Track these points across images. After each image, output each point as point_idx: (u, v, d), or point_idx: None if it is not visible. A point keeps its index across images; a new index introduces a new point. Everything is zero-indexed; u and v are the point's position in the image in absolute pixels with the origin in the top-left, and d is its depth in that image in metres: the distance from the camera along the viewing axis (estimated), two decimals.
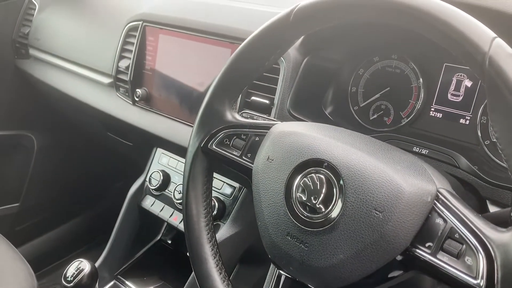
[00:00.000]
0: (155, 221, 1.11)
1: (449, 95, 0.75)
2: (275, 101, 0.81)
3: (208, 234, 0.65)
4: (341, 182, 0.49)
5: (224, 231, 0.93)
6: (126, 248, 1.10)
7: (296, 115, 0.79)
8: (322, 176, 0.51)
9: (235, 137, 0.63)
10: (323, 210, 0.50)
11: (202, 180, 0.66)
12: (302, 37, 0.78)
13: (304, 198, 0.51)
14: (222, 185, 0.98)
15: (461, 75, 0.74)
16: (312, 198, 0.51)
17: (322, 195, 0.50)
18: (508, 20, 0.58)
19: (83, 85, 1.21)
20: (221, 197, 0.97)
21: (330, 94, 0.85)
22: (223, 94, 0.64)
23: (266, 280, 0.74)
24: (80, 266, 0.85)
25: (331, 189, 0.50)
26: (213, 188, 1.00)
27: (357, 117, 0.85)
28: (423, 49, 0.77)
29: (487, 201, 0.63)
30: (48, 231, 1.67)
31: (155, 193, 1.08)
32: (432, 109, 0.77)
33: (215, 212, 0.94)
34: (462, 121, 0.74)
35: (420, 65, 0.78)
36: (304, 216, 0.51)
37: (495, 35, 0.44)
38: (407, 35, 0.73)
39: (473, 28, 0.44)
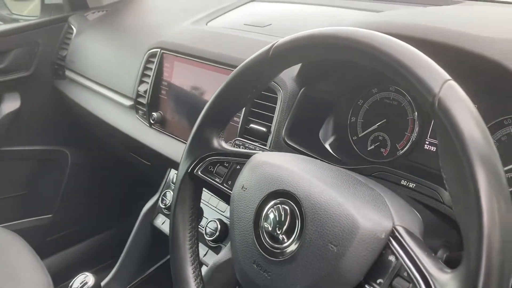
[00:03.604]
0: (166, 240, 1.14)
1: None
2: (272, 130, 0.83)
3: (191, 256, 0.68)
4: (305, 214, 0.51)
5: (225, 253, 0.95)
6: (136, 264, 1.14)
7: (290, 144, 0.81)
8: (287, 207, 0.53)
9: (218, 164, 0.66)
10: (286, 240, 0.52)
11: (189, 204, 0.69)
12: (300, 68, 0.81)
13: (269, 228, 0.53)
14: (226, 208, 1.01)
15: None
16: (276, 228, 0.53)
17: (285, 226, 0.52)
18: (470, 58, 0.59)
19: (108, 107, 1.28)
20: (225, 220, 1.00)
21: (330, 123, 0.87)
22: (211, 123, 0.67)
23: None
24: (84, 280, 0.90)
25: (294, 221, 0.52)
26: (217, 210, 1.03)
27: (355, 147, 0.86)
28: None
29: None
30: (76, 244, 1.75)
31: (166, 212, 1.12)
32: (427, 142, 0.77)
33: (217, 233, 0.97)
34: None
35: (414, 98, 0.78)
36: (269, 246, 0.53)
37: (448, 77, 0.44)
38: None
39: (426, 68, 0.45)
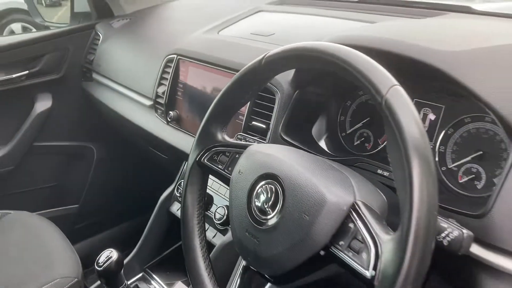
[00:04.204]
0: None
1: None
2: (270, 126, 0.96)
3: (199, 230, 0.81)
4: (284, 192, 0.64)
5: (230, 235, 1.08)
6: (155, 245, 1.29)
7: (286, 139, 0.93)
8: (272, 187, 0.66)
9: (221, 154, 0.80)
10: (271, 213, 0.65)
11: (197, 187, 0.83)
12: (294, 73, 0.93)
13: (259, 204, 0.66)
14: None
15: (427, 109, 0.86)
16: (264, 203, 0.66)
17: (270, 202, 0.65)
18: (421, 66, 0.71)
19: (130, 106, 1.43)
20: None
21: (322, 121, 0.99)
22: (215, 120, 0.81)
23: (234, 269, 0.88)
24: (109, 255, 1.04)
25: (278, 197, 0.65)
26: (225, 198, 1.17)
27: (343, 142, 0.98)
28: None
29: None
30: (102, 232, 1.91)
31: (180, 200, 1.26)
32: None
33: (224, 217, 1.10)
34: None
35: None
36: (258, 217, 0.66)
37: (395, 83, 0.57)
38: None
39: (377, 75, 0.58)
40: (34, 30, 5.39)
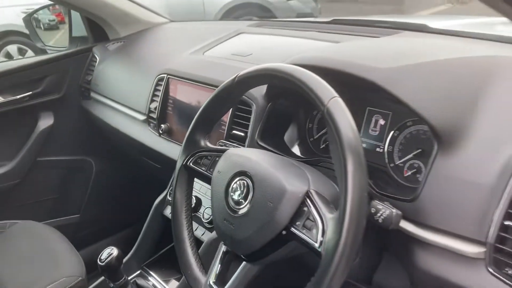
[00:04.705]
0: None
1: (370, 131, 1.02)
2: (248, 134, 1.12)
3: (187, 224, 0.96)
4: (254, 185, 0.79)
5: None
6: (151, 245, 1.42)
7: (262, 144, 1.09)
8: (244, 182, 0.81)
9: (204, 158, 0.95)
10: (243, 202, 0.79)
11: (185, 187, 0.98)
12: (266, 88, 1.09)
13: (234, 196, 0.81)
14: None
15: (378, 116, 1.01)
16: (237, 195, 0.81)
17: (243, 194, 0.80)
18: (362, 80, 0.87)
19: (126, 121, 1.58)
20: None
21: (293, 129, 1.15)
22: (198, 130, 0.96)
23: (216, 253, 1.02)
24: (111, 252, 1.18)
25: (249, 190, 0.79)
26: None
27: (311, 146, 1.14)
28: (353, 97, 1.05)
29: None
30: (103, 238, 2.04)
31: None
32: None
33: (211, 217, 1.24)
34: (378, 149, 1.01)
35: (351, 108, 1.05)
36: (233, 207, 0.81)
37: (335, 95, 0.73)
38: (342, 87, 1.01)
39: (321, 89, 0.73)
40: (30, 51, 5.57)
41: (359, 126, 1.03)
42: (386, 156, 0.98)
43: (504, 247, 0.71)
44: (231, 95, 0.91)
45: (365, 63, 0.89)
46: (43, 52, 2.16)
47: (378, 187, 0.90)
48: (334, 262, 0.66)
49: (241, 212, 0.79)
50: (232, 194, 0.82)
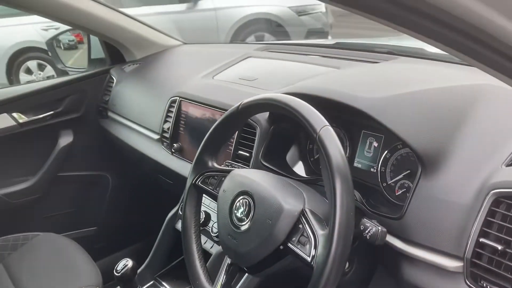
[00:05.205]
0: None
1: (365, 152, 1.11)
2: (253, 154, 1.21)
3: (195, 237, 1.05)
4: (255, 203, 0.88)
5: None
6: (163, 257, 1.51)
7: (265, 164, 1.18)
8: (246, 200, 0.89)
9: (211, 177, 1.04)
10: (245, 219, 0.88)
11: (194, 203, 1.07)
12: (269, 113, 1.18)
13: (237, 213, 0.90)
14: None
15: (371, 139, 1.10)
16: (240, 212, 0.89)
17: (245, 211, 0.89)
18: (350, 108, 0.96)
19: (141, 139, 1.69)
20: None
21: (295, 150, 1.24)
22: (206, 152, 1.05)
23: (222, 265, 1.10)
24: (126, 263, 1.27)
25: (250, 208, 0.88)
26: None
27: (312, 166, 1.22)
28: (350, 121, 1.13)
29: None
30: (118, 251, 2.14)
31: None
32: (356, 161, 1.13)
33: None
34: (372, 169, 1.09)
35: (347, 131, 1.14)
36: (236, 223, 0.90)
37: (326, 123, 0.81)
38: (339, 113, 1.10)
39: (314, 118, 0.82)
40: (48, 66, 5.76)
41: (355, 147, 1.13)
42: (379, 176, 1.06)
43: (480, 262, 0.78)
44: (236, 121, 1.01)
45: (354, 93, 0.98)
46: (63, 71, 2.29)
47: (370, 205, 0.98)
48: (324, 274, 0.74)
49: (243, 228, 0.88)
50: (235, 211, 0.90)
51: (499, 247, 0.75)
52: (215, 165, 1.06)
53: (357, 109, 0.95)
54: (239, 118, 1.00)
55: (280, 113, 1.16)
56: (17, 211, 1.88)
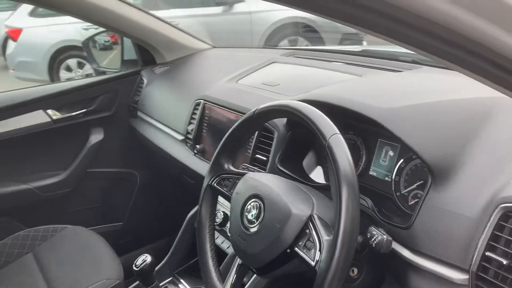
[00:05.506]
0: None
1: (380, 161, 1.11)
2: (269, 158, 1.23)
3: (209, 237, 1.08)
4: (265, 207, 0.90)
5: None
6: (183, 255, 1.56)
7: (281, 169, 1.20)
8: (257, 203, 0.92)
9: (226, 179, 1.07)
10: (255, 222, 0.91)
11: (209, 204, 1.10)
12: (287, 119, 1.20)
13: (248, 216, 0.93)
14: None
15: (387, 148, 1.10)
16: (251, 215, 0.92)
17: (255, 214, 0.91)
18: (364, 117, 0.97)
19: (166, 139, 1.74)
20: None
21: (311, 155, 1.25)
22: (223, 154, 1.08)
23: (225, 262, 1.13)
24: (145, 258, 1.31)
25: (260, 211, 0.91)
26: None
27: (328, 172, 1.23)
28: (367, 130, 1.14)
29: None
30: (142, 247, 2.20)
31: None
32: (371, 169, 1.13)
33: None
34: (386, 178, 1.09)
35: (364, 140, 1.15)
36: (247, 225, 0.92)
37: (336, 131, 0.83)
38: (356, 121, 1.12)
39: (324, 125, 0.84)
40: (87, 65, 5.96)
41: (371, 156, 1.13)
42: (393, 185, 1.07)
43: (485, 276, 0.78)
44: (251, 126, 1.04)
45: (367, 102, 0.99)
46: (100, 74, 2.38)
47: (381, 213, 0.99)
48: (327, 279, 0.76)
49: (252, 230, 0.90)
50: (246, 214, 0.93)
51: (505, 262, 0.75)
52: (231, 167, 1.09)
53: (369, 118, 0.96)
54: (255, 123, 1.03)
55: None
56: (48, 204, 1.97)
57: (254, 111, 1.00)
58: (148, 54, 2.12)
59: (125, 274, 1.52)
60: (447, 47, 0.46)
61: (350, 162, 0.80)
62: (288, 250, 0.86)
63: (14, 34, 6.09)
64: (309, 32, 5.95)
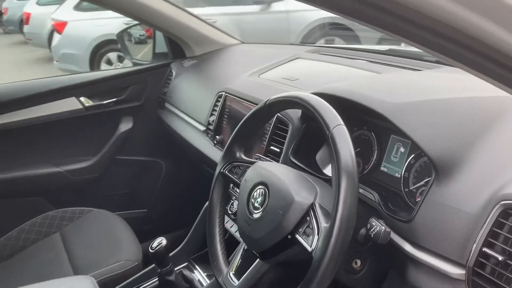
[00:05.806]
0: None
1: (391, 157, 1.12)
2: (283, 150, 1.26)
3: (219, 222, 1.12)
4: (269, 194, 0.93)
5: None
6: (199, 241, 1.60)
7: (294, 161, 1.22)
8: (262, 190, 0.95)
9: (237, 167, 1.10)
10: (260, 208, 0.94)
11: (221, 190, 1.14)
12: (302, 110, 1.23)
13: (254, 202, 0.96)
14: None
15: (399, 144, 1.10)
16: (256, 201, 0.95)
17: (260, 200, 0.94)
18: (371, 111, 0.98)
19: (190, 130, 1.79)
20: None
21: (326, 149, 1.27)
22: (235, 143, 1.12)
23: (236, 249, 1.15)
24: (160, 241, 1.36)
25: (265, 197, 0.94)
26: None
27: None
28: (380, 125, 1.15)
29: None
30: (163, 234, 2.27)
31: None
32: (383, 165, 1.14)
33: None
34: (396, 174, 1.10)
35: (377, 136, 1.15)
36: (252, 211, 0.95)
37: (340, 122, 0.85)
38: (370, 117, 1.13)
39: (329, 116, 0.86)
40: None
41: (383, 151, 1.14)
42: (402, 181, 1.07)
43: (482, 272, 0.78)
44: (263, 116, 1.07)
45: (377, 96, 1.00)
46: (133, 65, 2.47)
47: (387, 208, 1.00)
48: (321, 265, 0.78)
49: (256, 216, 0.94)
50: (252, 200, 0.96)
51: (500, 258, 0.75)
52: (243, 156, 1.12)
53: (377, 112, 0.97)
54: (266, 113, 1.06)
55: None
56: (77, 187, 2.06)
57: (266, 102, 1.03)
58: (179, 48, 2.18)
59: (145, 260, 1.58)
60: (453, 46, 0.48)
61: (352, 153, 0.82)
62: (289, 236, 0.88)
63: (59, 27, 6.35)
64: (346, 31, 5.90)
